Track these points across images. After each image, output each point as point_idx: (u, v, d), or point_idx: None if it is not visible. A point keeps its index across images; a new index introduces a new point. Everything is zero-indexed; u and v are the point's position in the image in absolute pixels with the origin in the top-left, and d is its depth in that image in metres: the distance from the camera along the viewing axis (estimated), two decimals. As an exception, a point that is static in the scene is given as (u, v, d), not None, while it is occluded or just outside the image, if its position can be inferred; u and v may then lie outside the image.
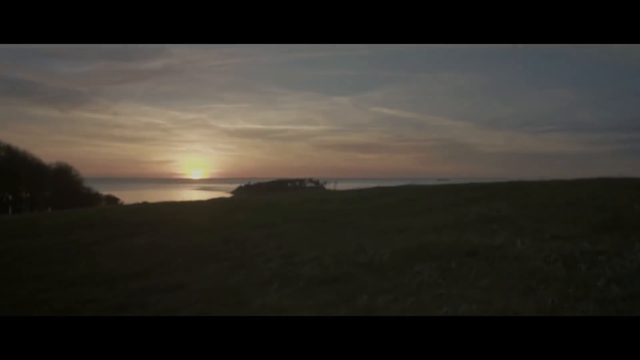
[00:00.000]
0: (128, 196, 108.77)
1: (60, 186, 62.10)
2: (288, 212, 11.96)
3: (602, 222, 7.49)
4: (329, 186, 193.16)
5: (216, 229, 10.32)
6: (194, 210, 14.07)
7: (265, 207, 13.14)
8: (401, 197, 12.63)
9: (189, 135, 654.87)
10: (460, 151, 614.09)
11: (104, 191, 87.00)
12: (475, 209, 9.90)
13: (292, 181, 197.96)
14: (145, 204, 17.52)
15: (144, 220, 11.92)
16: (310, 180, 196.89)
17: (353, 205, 12.32)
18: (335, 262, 6.47)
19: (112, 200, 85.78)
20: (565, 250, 5.67)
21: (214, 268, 7.03)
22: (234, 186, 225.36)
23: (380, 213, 10.79)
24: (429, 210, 10.41)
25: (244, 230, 9.81)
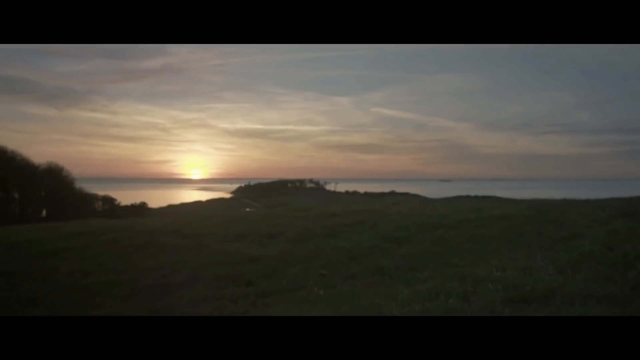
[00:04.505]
0: (125, 197, 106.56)
1: (52, 187, 58.92)
2: (206, 257, 7.99)
3: None
4: (330, 187, 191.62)
5: (68, 296, 6.36)
6: (86, 244, 9.98)
7: (183, 246, 9.15)
8: (382, 233, 8.55)
9: (188, 135, 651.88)
10: (461, 152, 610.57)
11: (101, 191, 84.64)
12: (492, 267, 5.91)
13: (293, 182, 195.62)
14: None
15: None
16: (311, 180, 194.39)
17: (307, 245, 8.23)
18: None
19: (108, 200, 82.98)
20: None
21: None
22: (234, 186, 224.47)
23: (341, 268, 6.75)
24: (416, 266, 6.35)
25: (101, 299, 5.84)
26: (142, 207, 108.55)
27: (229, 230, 10.32)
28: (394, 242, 7.81)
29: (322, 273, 6.61)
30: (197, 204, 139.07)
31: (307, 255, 7.50)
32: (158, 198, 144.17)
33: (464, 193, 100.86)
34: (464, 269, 6.03)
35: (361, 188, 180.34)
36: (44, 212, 58.59)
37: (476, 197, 75.76)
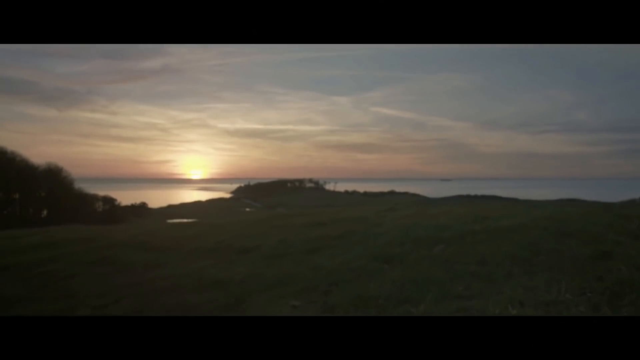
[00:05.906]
0: (126, 197, 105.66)
1: (51, 188, 58.16)
2: (162, 279, 6.69)
3: None
4: (329, 187, 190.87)
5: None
6: (37, 259, 8.68)
7: (142, 263, 7.87)
8: (371, 249, 7.27)
9: (188, 135, 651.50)
10: (460, 151, 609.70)
11: (101, 192, 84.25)
12: (505, 300, 4.64)
13: (292, 181, 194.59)
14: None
15: None
16: (310, 180, 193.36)
17: (283, 263, 6.95)
18: None
19: (108, 201, 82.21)
20: None
21: None
22: (234, 186, 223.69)
23: (318, 298, 5.47)
24: (410, 296, 5.05)
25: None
26: (142, 207, 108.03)
27: (201, 242, 9.07)
28: (384, 261, 6.55)
29: (293, 304, 5.36)
30: (197, 204, 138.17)
31: (280, 278, 6.24)
32: (158, 198, 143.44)
33: (464, 192, 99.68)
34: (470, 301, 4.76)
35: (360, 187, 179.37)
36: (44, 213, 58.27)
37: (476, 196, 74.46)
